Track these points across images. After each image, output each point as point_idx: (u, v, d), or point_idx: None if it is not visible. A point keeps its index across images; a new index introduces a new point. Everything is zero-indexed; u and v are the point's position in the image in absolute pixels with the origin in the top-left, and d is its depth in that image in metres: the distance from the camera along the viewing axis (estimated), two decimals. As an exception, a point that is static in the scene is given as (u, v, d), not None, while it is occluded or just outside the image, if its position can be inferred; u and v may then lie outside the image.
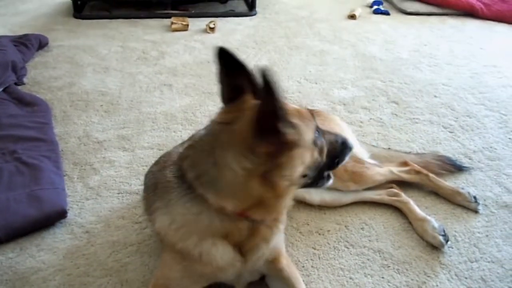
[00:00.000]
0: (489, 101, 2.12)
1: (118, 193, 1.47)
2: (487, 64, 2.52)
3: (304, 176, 0.93)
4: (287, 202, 0.97)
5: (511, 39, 2.96)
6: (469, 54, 2.65)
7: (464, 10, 3.32)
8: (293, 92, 2.14)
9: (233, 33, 2.82)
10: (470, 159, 1.70)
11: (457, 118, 1.96)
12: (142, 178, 1.51)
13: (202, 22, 2.90)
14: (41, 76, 2.20)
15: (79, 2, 3.00)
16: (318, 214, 1.41)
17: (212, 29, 2.79)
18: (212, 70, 2.33)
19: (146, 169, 1.56)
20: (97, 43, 2.58)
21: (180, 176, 0.94)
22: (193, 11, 3.12)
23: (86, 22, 2.90)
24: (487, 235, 1.36)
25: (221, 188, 0.88)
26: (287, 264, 1.15)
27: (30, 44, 2.38)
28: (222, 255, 0.97)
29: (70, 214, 1.37)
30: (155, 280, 1.07)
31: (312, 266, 1.24)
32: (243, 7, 3.28)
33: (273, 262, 1.12)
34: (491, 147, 1.77)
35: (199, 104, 2.01)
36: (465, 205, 1.46)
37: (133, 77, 2.24)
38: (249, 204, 0.89)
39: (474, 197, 1.46)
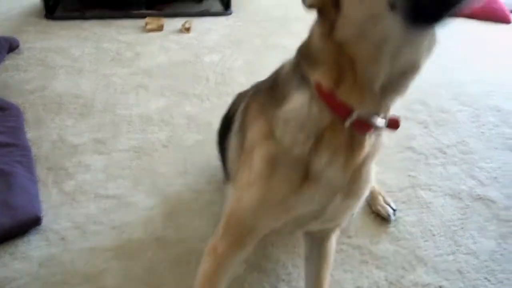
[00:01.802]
0: (462, 96, 2.17)
1: (95, 198, 1.45)
2: (458, 59, 2.58)
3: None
4: (377, 65, 0.70)
5: (481, 36, 3.04)
6: (441, 50, 2.68)
7: (436, 7, 3.39)
8: (270, 91, 2.14)
9: (209, 32, 2.81)
10: (444, 153, 1.73)
11: (430, 114, 1.99)
12: (119, 181, 1.50)
13: (178, 22, 2.87)
14: (12, 80, 2.14)
15: (50, 3, 2.93)
16: (297, 213, 1.42)
17: (187, 29, 2.77)
18: (188, 70, 2.31)
19: (123, 172, 1.55)
20: (70, 45, 2.53)
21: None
22: (168, 11, 3.08)
23: (58, 23, 2.84)
24: (462, 228, 1.40)
25: (312, 59, 0.77)
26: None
27: (0, 46, 2.31)
28: (330, 160, 0.79)
29: (44, 221, 1.33)
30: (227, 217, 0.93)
31: (293, 265, 1.25)
32: (218, 7, 3.26)
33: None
34: (464, 141, 1.81)
35: (175, 105, 1.99)
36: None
37: (107, 79, 2.20)
38: (335, 74, 0.73)
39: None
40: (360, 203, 0.94)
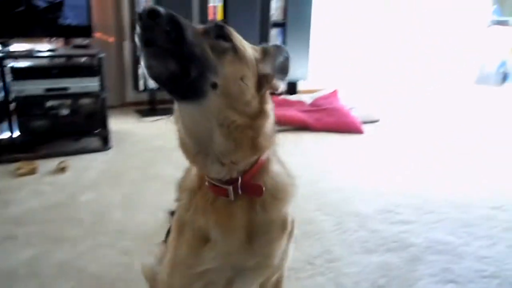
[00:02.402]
0: (325, 206, 2.41)
1: None
2: (321, 171, 2.91)
3: None
4: (185, 136, 0.89)
5: (339, 147, 3.48)
6: (307, 165, 3.03)
7: (299, 125, 3.85)
8: (147, 225, 2.16)
9: (86, 170, 2.82)
10: (312, 264, 1.87)
11: (299, 227, 2.16)
12: None
13: (53, 163, 2.85)
14: None
15: None
16: None
17: (63, 169, 2.76)
18: (62, 213, 2.26)
19: None
20: None
21: None
22: (43, 152, 3.06)
23: None
24: None
25: None
26: None
27: None
28: (211, 222, 0.91)
29: None
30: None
31: None
32: (97, 142, 3.33)
33: None
34: (329, 250, 1.98)
35: (45, 253, 1.90)
36: None
37: (-30, 233, 2.06)
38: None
39: None
40: (266, 271, 1.02)
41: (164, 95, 4.49)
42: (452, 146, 3.61)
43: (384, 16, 6.08)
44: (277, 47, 0.93)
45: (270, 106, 0.90)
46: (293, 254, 1.92)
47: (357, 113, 4.23)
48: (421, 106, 5.13)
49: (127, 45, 4.39)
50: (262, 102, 0.88)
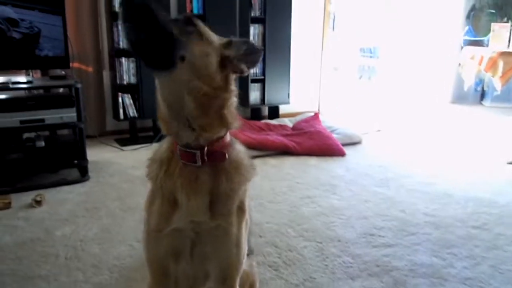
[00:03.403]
0: (307, 232, 2.38)
1: None
2: (303, 196, 2.89)
3: None
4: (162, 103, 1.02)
5: (321, 170, 3.47)
6: (288, 189, 3.01)
7: (281, 150, 3.84)
8: (124, 258, 2.10)
9: (63, 203, 2.75)
10: (294, 294, 1.83)
11: (280, 255, 2.13)
12: None
13: (29, 196, 2.78)
14: None
15: None
16: None
17: (38, 202, 2.69)
18: (36, 249, 2.19)
19: None
20: None
21: None
22: (18, 186, 2.99)
23: None
24: None
25: None
26: None
27: None
28: (177, 186, 1.04)
29: None
30: None
31: None
32: (75, 173, 3.27)
33: None
34: (311, 277, 1.95)
35: (16, 293, 1.83)
36: None
37: None
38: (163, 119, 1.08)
39: None
40: (230, 238, 1.10)
41: (144, 123, 4.47)
42: (431, 166, 3.64)
43: (363, 37, 6.20)
44: (244, 40, 1.06)
45: (233, 88, 1.05)
46: (275, 282, 1.90)
47: (338, 135, 4.25)
48: (401, 126, 5.19)
49: (106, 74, 4.38)
50: (227, 81, 1.03)
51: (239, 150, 1.12)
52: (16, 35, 3.12)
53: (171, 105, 1.00)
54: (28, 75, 3.58)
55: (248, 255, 1.24)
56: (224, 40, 1.06)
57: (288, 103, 5.27)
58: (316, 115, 4.84)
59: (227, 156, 1.05)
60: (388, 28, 6.72)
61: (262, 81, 5.05)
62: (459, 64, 5.61)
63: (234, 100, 1.05)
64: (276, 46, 5.01)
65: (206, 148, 1.01)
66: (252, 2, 4.79)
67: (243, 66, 1.04)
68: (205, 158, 1.01)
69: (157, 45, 0.91)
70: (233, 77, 1.05)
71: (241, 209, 1.12)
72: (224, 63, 1.02)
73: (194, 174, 1.03)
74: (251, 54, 1.05)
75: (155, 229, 1.09)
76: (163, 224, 1.07)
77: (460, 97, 6.65)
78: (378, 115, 5.72)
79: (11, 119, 2.92)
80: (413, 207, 2.75)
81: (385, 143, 4.41)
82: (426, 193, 2.99)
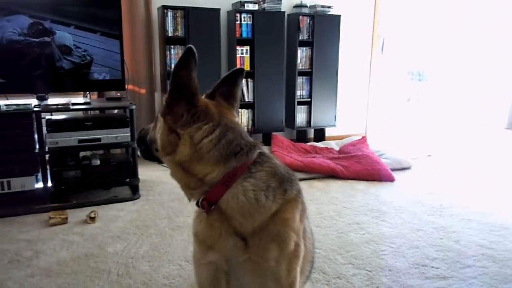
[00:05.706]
0: (356, 259, 2.32)
1: None
2: (351, 222, 2.83)
3: None
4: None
5: (369, 196, 3.40)
6: (335, 214, 2.96)
7: (328, 173, 3.80)
8: (174, 278, 2.13)
9: (115, 220, 2.85)
10: (343, 324, 1.78)
11: (328, 282, 2.09)
12: None
13: (83, 213, 2.90)
14: None
15: None
16: None
17: (92, 218, 2.80)
18: (90, 264, 2.27)
19: None
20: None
21: None
22: (74, 202, 3.12)
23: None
24: None
25: None
26: None
27: None
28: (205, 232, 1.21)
29: None
30: None
31: None
32: (127, 191, 3.38)
33: None
34: (361, 307, 1.89)
35: (71, 307, 1.89)
36: None
37: (1, 284, 2.07)
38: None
39: None
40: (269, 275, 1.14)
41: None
42: (485, 195, 3.46)
43: (412, 60, 6.09)
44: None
45: (185, 137, 1.13)
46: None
47: (387, 160, 4.16)
48: (452, 151, 5.00)
49: (158, 96, 4.54)
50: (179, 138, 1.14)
51: (247, 188, 1.10)
52: (76, 60, 3.30)
53: (173, 176, 1.24)
54: (86, 96, 3.79)
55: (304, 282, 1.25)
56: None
57: (334, 125, 5.24)
58: (363, 139, 4.77)
59: (217, 207, 1.13)
60: (438, 50, 6.57)
61: (308, 103, 5.06)
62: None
63: (191, 144, 1.12)
64: (323, 69, 5.02)
65: (201, 198, 1.15)
66: (300, 25, 4.84)
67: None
68: (204, 206, 1.15)
69: (149, 150, 1.29)
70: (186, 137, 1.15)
71: (279, 242, 1.11)
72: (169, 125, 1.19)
73: (209, 222, 1.16)
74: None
75: (195, 259, 1.30)
76: (200, 257, 1.23)
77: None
78: (428, 139, 5.55)
79: (71, 138, 3.09)
80: (468, 238, 2.62)
81: (436, 169, 4.26)
82: (481, 224, 2.84)
